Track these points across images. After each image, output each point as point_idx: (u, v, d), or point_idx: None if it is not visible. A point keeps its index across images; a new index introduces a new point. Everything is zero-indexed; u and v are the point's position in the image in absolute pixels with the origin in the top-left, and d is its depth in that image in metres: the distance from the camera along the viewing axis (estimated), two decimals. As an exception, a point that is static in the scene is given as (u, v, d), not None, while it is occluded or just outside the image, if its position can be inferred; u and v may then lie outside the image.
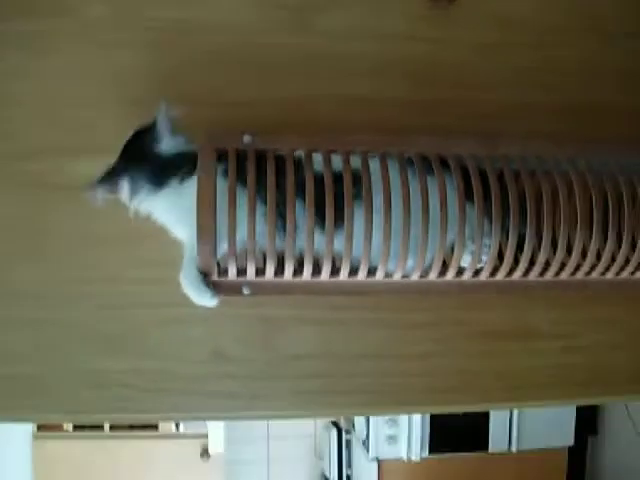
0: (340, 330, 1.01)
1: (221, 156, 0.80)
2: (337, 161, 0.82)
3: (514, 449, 3.11)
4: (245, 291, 0.86)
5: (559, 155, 0.89)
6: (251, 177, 0.78)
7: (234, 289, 0.85)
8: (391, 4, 1.01)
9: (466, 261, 0.86)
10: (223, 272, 0.83)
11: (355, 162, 0.82)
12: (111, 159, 0.86)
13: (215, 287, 0.83)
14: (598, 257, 0.88)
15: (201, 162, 0.78)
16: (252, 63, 0.98)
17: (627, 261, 0.90)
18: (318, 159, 0.82)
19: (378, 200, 0.80)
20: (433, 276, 0.87)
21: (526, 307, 1.04)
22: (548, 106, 1.04)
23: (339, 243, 0.80)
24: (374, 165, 0.82)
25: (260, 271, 0.82)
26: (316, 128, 0.93)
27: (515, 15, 1.05)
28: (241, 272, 0.82)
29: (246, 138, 0.82)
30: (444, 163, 0.84)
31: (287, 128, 0.90)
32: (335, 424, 3.55)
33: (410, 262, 0.83)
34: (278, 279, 0.84)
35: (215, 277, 0.83)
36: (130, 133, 0.87)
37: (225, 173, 0.78)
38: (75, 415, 1.04)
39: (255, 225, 0.77)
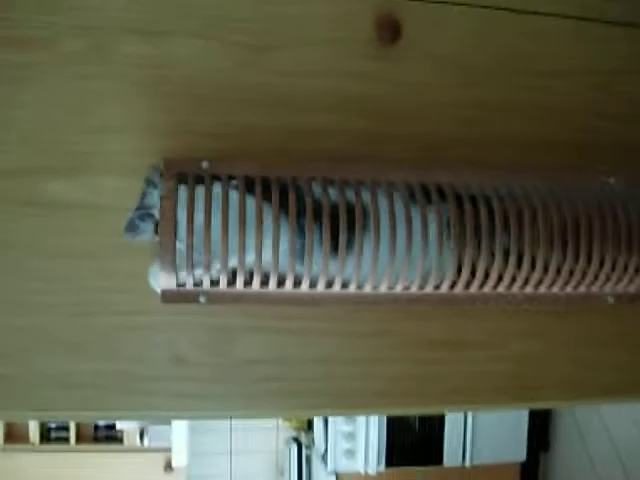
0: (293, 338, 1.11)
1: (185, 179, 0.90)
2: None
3: (468, 464, 3.21)
4: (202, 300, 0.95)
5: (488, 182, 1.00)
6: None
7: (191, 298, 0.94)
8: (338, 43, 1.11)
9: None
10: (181, 284, 0.93)
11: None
12: (82, 178, 0.98)
13: (173, 296, 0.93)
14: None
15: (164, 186, 0.88)
16: (212, 97, 1.08)
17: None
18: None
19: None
20: (383, 289, 0.98)
21: (461, 318, 1.15)
22: (480, 138, 1.15)
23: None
24: (318, 190, 0.93)
25: (215, 282, 0.92)
26: (269, 156, 1.05)
27: (451, 55, 1.16)
28: (198, 283, 0.92)
29: (204, 164, 0.93)
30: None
31: (243, 156, 1.01)
32: (296, 439, 3.63)
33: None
34: (231, 289, 0.94)
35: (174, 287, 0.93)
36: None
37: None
38: (41, 412, 1.09)
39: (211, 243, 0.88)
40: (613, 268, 1.00)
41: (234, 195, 0.89)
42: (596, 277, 1.01)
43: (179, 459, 3.57)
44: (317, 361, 1.12)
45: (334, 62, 1.11)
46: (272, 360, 1.10)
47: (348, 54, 1.12)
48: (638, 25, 1.24)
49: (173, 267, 0.88)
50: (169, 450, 3.60)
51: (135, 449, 3.70)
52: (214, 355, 1.09)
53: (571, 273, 0.99)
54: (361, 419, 3.07)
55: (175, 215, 0.87)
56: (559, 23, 1.21)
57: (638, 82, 1.24)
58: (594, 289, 1.04)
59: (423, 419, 3.19)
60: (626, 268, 1.00)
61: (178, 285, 0.92)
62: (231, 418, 3.71)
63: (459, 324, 1.15)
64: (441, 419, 3.18)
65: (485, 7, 1.17)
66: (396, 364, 1.14)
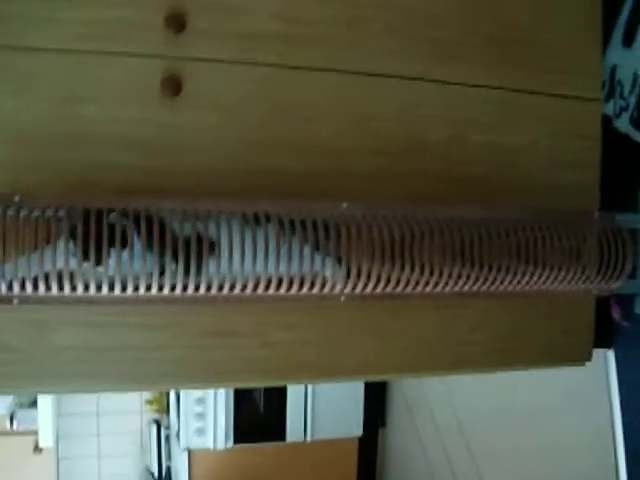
0: (99, 329, 1.39)
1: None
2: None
3: (309, 439, 3.52)
4: (15, 302, 1.24)
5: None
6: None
7: (6, 300, 1.23)
8: (131, 97, 1.39)
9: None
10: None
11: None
12: None
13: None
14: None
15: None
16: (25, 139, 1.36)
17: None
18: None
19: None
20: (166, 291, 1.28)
21: (233, 314, 1.47)
22: (247, 170, 1.47)
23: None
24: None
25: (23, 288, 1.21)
26: (72, 189, 1.34)
27: (228, 104, 1.46)
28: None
29: (16, 197, 1.21)
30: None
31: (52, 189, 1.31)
32: (156, 421, 3.90)
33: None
34: (36, 294, 1.22)
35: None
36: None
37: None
38: None
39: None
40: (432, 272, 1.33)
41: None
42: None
43: (45, 440, 3.76)
44: (117, 348, 1.41)
45: (129, 111, 1.40)
46: (80, 347, 1.39)
47: (140, 105, 1.41)
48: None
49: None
50: (37, 433, 3.78)
51: (4, 432, 3.86)
52: (34, 343, 1.37)
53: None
54: (210, 400, 3.37)
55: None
56: (334, 79, 1.53)
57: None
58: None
59: (267, 398, 3.50)
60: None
61: None
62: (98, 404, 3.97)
63: (231, 318, 1.47)
64: (283, 397, 3.49)
65: (259, 65, 1.48)
66: (180, 350, 1.45)
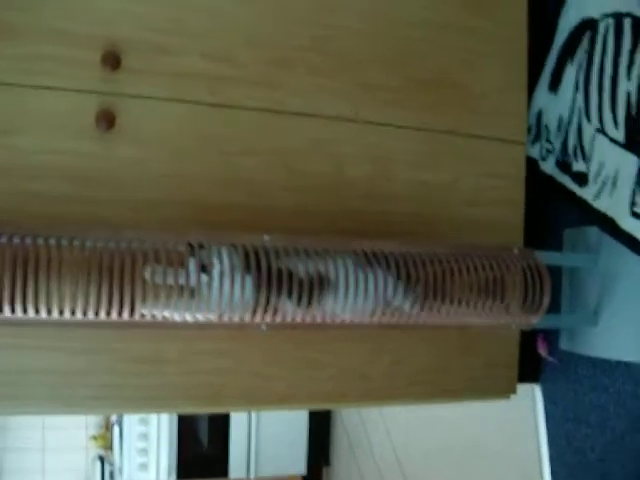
0: (27, 352, 1.43)
1: None
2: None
3: (252, 476, 3.53)
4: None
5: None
6: None
7: None
8: (67, 130, 1.45)
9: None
10: None
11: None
12: None
13: None
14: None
15: None
16: None
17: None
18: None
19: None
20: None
21: (160, 341, 1.51)
22: (181, 201, 1.52)
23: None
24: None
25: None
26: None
27: (159, 138, 1.52)
28: None
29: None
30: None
31: None
32: (101, 457, 3.90)
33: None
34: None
35: None
36: None
37: None
38: None
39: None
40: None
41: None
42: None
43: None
44: (44, 371, 1.45)
45: (64, 143, 1.45)
46: (7, 370, 1.42)
47: (74, 137, 1.46)
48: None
49: None
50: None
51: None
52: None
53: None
54: (153, 436, 3.38)
55: None
56: (259, 117, 1.60)
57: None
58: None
59: (211, 434, 3.51)
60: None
61: None
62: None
63: (157, 346, 1.51)
64: (226, 434, 3.51)
65: (189, 102, 1.54)
66: (107, 375, 1.49)
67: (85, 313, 1.28)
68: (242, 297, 1.35)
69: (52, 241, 1.27)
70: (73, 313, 1.28)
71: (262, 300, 1.37)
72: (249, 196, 1.58)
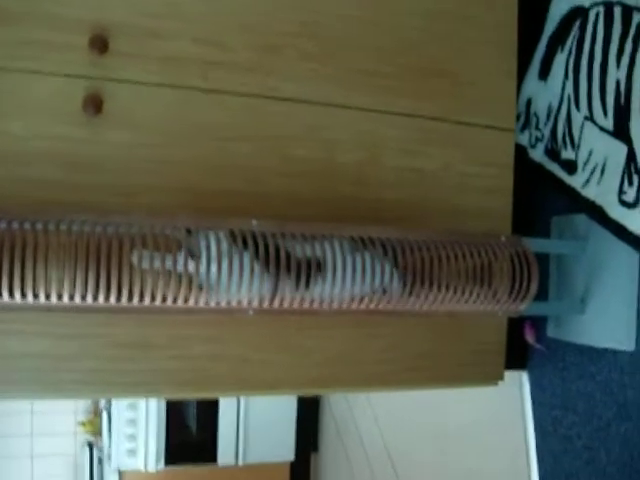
0: (13, 337, 1.43)
1: None
2: None
3: (240, 462, 3.53)
4: None
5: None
6: None
7: None
8: (55, 115, 1.44)
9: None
10: None
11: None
12: None
13: None
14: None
15: None
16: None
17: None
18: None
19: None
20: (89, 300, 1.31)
21: (147, 326, 1.51)
22: (164, 187, 1.52)
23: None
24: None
25: None
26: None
27: (147, 123, 1.51)
28: None
29: None
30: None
31: None
32: (89, 443, 3.90)
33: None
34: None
35: None
36: None
37: None
38: None
39: None
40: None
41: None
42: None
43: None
44: (31, 356, 1.44)
45: (52, 128, 1.44)
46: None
47: (63, 122, 1.45)
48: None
49: None
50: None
51: None
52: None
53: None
54: (142, 422, 3.38)
55: None
56: (251, 102, 1.59)
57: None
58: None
59: (200, 420, 3.52)
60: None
61: None
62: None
63: (145, 331, 1.51)
64: (215, 419, 3.52)
65: (179, 87, 1.53)
66: (95, 360, 1.48)
67: (72, 297, 1.28)
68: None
69: (39, 226, 1.26)
70: (60, 297, 1.28)
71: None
72: (241, 182, 1.58)
